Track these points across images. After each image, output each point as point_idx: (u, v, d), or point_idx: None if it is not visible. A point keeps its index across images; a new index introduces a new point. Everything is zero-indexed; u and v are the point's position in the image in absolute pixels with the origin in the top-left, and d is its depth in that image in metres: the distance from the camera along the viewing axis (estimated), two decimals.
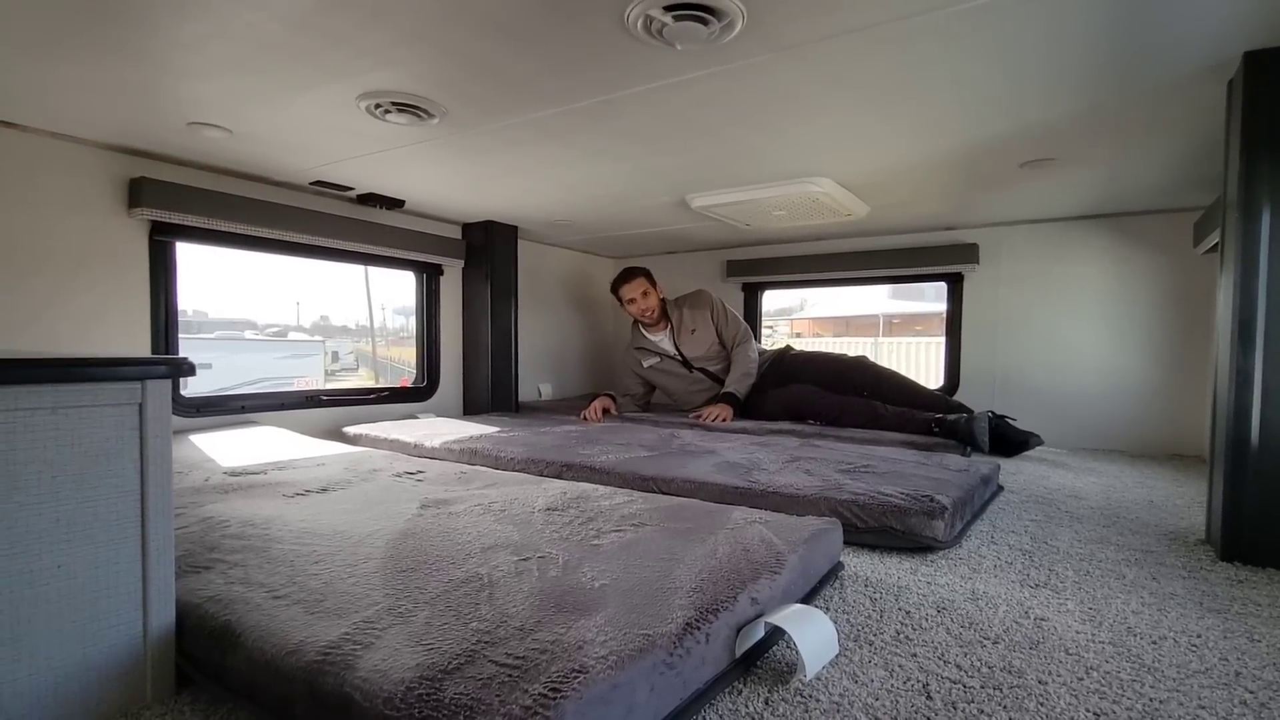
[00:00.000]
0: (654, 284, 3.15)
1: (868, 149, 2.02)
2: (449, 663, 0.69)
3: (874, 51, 1.38)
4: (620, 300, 3.17)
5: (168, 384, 0.83)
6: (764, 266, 3.67)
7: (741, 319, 3.20)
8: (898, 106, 1.68)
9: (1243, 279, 1.35)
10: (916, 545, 1.37)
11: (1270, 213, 1.33)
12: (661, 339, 3.21)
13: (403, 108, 1.69)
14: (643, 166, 2.23)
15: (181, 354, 2.33)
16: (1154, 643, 0.97)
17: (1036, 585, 1.20)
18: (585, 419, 2.95)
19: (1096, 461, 2.52)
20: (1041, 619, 1.06)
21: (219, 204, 2.29)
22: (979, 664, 0.91)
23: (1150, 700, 0.82)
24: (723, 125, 1.82)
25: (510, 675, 0.66)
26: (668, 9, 1.21)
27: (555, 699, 0.61)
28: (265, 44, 1.37)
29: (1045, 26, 1.28)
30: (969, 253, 3.06)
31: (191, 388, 2.60)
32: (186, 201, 2.21)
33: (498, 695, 0.63)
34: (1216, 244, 2.31)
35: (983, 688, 0.84)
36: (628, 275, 3.12)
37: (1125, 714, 0.78)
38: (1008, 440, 2.50)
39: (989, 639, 0.98)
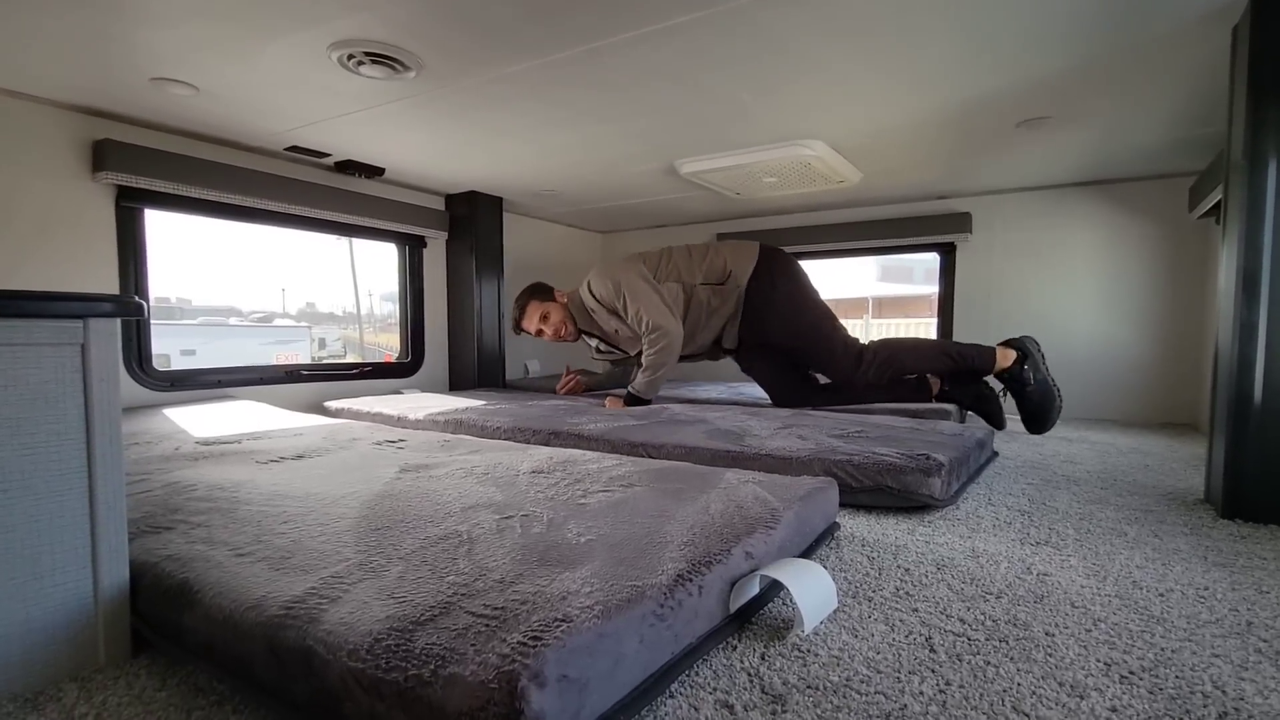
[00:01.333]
0: (549, 297, 2.54)
1: (860, 106, 1.96)
2: (421, 614, 0.64)
3: None
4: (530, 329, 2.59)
5: (114, 324, 0.76)
6: (755, 239, 3.61)
7: (645, 289, 2.33)
8: (891, 58, 1.62)
9: (1248, 230, 1.31)
10: (913, 504, 1.33)
11: (1277, 162, 1.29)
12: (599, 344, 2.63)
13: (376, 59, 1.61)
14: (629, 128, 2.15)
15: (161, 339, 2.27)
16: (1161, 595, 0.94)
17: (1038, 543, 1.17)
18: (559, 390, 2.85)
19: (1089, 431, 2.50)
20: (1045, 574, 1.02)
21: (189, 168, 2.19)
22: (983, 618, 0.87)
23: (1162, 650, 0.78)
24: (711, 80, 1.75)
25: (487, 625, 0.61)
26: None
27: (536, 647, 0.56)
28: None
29: None
30: (962, 222, 3.02)
31: (173, 367, 2.51)
32: (155, 165, 2.11)
33: (473, 645, 0.58)
34: (1212, 207, 2.29)
35: (988, 640, 0.81)
36: (519, 309, 2.56)
37: (1137, 663, 0.75)
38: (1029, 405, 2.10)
39: (992, 594, 0.95)
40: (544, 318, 2.52)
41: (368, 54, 1.59)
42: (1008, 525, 1.27)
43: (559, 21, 1.44)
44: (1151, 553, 1.12)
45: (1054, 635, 0.82)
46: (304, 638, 0.62)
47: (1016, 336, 2.17)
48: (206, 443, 1.62)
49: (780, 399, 2.45)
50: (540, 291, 2.56)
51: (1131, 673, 0.73)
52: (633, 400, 2.37)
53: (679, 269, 2.41)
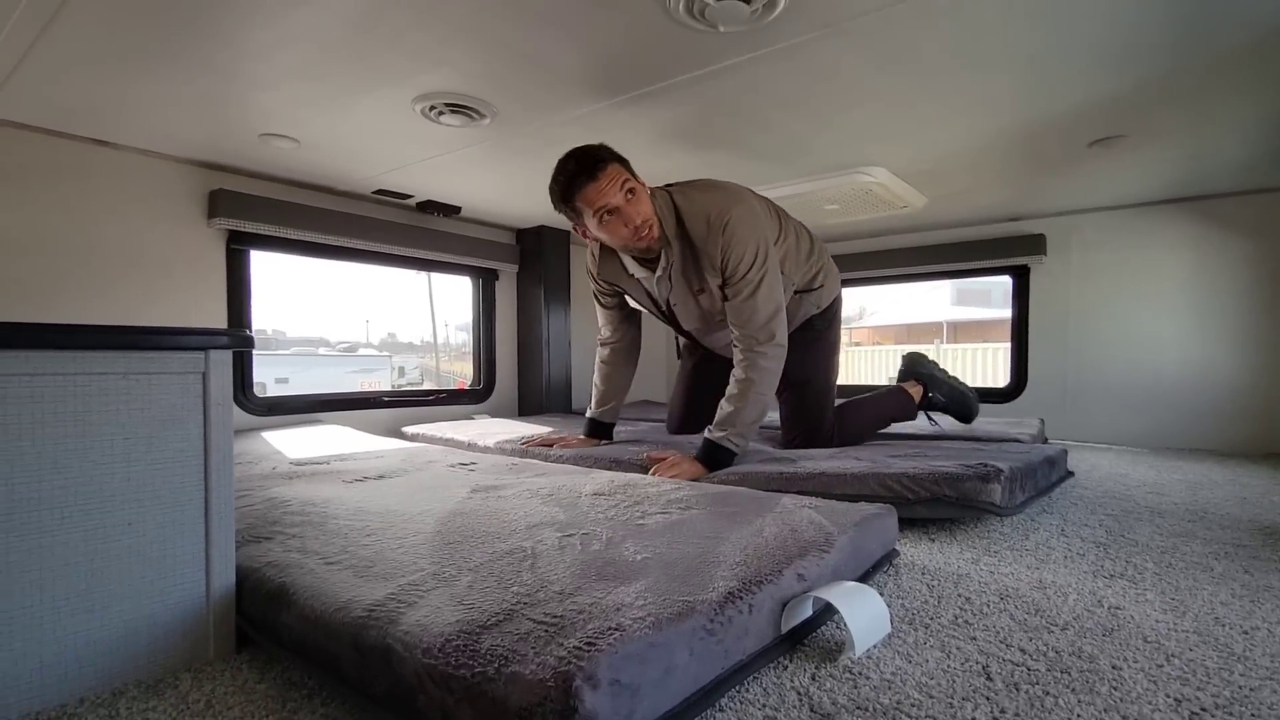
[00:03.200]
0: (635, 175, 1.58)
1: (922, 133, 1.96)
2: (488, 620, 0.70)
3: (923, 23, 1.34)
4: (575, 216, 1.62)
5: (229, 356, 0.87)
6: None
7: (767, 251, 1.62)
8: (951, 84, 1.62)
9: None
10: (974, 509, 1.30)
11: None
12: (647, 278, 1.76)
13: (455, 108, 1.74)
14: (689, 162, 2.22)
15: (258, 368, 2.49)
16: (1245, 633, 0.89)
17: (1111, 576, 1.12)
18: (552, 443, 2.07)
19: (1180, 461, 2.35)
20: (1116, 608, 0.98)
21: (289, 213, 2.41)
22: (1045, 648, 0.85)
23: (1239, 688, 0.74)
24: (770, 113, 1.80)
25: (546, 631, 0.66)
26: None
27: (590, 652, 0.61)
28: (326, 48, 1.44)
29: None
30: (1035, 244, 2.92)
31: (269, 394, 2.74)
32: (260, 211, 2.34)
33: (533, 647, 0.63)
34: None
35: (1049, 670, 0.79)
36: (589, 167, 1.52)
37: (1211, 700, 0.72)
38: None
39: (1057, 625, 0.92)
40: (630, 195, 1.54)
41: (447, 104, 1.72)
42: (1080, 556, 1.23)
43: (623, 65, 1.52)
44: (1239, 589, 1.06)
45: (1121, 669, 0.80)
46: (384, 637, 0.69)
47: (903, 368, 2.27)
48: (299, 463, 1.76)
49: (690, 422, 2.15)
50: (625, 161, 1.58)
51: (1203, 709, 0.70)
52: (708, 451, 1.62)
53: (787, 261, 1.78)
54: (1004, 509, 1.30)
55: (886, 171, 2.31)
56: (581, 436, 2.07)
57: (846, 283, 3.63)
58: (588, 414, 2.09)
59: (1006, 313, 3.23)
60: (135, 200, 2.13)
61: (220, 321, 2.34)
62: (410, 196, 2.69)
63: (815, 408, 1.93)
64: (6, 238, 1.89)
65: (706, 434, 1.65)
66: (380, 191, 2.60)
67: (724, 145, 2.05)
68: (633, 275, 1.80)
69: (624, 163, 1.57)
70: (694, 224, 1.61)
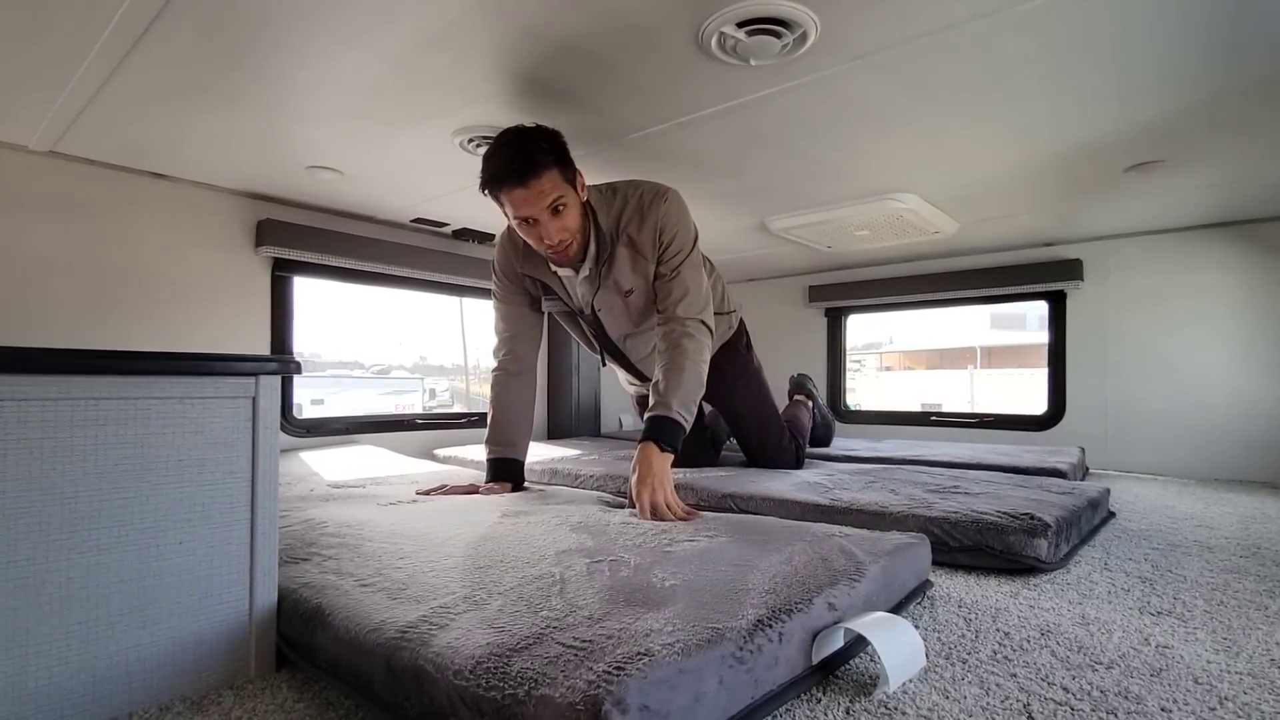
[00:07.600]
0: (573, 175, 1.45)
1: (953, 160, 1.96)
2: (518, 643, 0.71)
3: (955, 53, 1.35)
4: (496, 203, 1.46)
5: (278, 381, 0.91)
6: (848, 290, 3.59)
7: (697, 240, 1.59)
8: (984, 111, 1.62)
9: None
10: (1017, 566, 1.27)
11: None
12: (570, 278, 1.64)
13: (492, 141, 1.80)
14: (721, 190, 2.25)
15: (296, 389, 2.57)
16: None
17: (1159, 613, 1.09)
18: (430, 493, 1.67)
19: (1231, 493, 2.26)
20: (1165, 646, 0.95)
21: (331, 241, 2.50)
22: (1089, 687, 0.83)
23: None
24: (801, 142, 1.82)
25: (576, 655, 0.67)
26: (740, 25, 1.24)
27: (619, 676, 0.61)
28: (372, 86, 1.51)
29: (1150, 13, 1.21)
30: (1072, 269, 2.87)
31: (305, 415, 2.81)
32: (303, 239, 2.43)
33: (563, 671, 0.63)
34: None
35: (1093, 711, 0.77)
36: (521, 172, 1.36)
37: None
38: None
39: (1101, 664, 0.90)
40: (559, 207, 1.41)
41: (485, 137, 1.78)
42: (1125, 592, 1.19)
43: (656, 99, 1.56)
44: None
45: (1171, 712, 0.77)
46: (416, 658, 0.71)
47: (793, 384, 2.79)
48: (336, 485, 1.81)
49: (690, 456, 2.16)
50: (567, 159, 1.43)
51: None
52: (657, 427, 1.44)
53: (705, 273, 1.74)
54: (1049, 564, 1.27)
55: (917, 198, 2.31)
56: (486, 484, 1.69)
57: (876, 307, 3.63)
58: (488, 455, 1.71)
59: (1042, 337, 3.16)
60: (188, 230, 2.24)
61: (264, 345, 2.42)
62: (446, 224, 2.77)
63: (777, 434, 2.14)
64: (71, 266, 2.00)
65: (650, 411, 1.47)
66: (418, 220, 2.68)
67: (754, 173, 2.07)
68: (555, 272, 1.64)
69: (564, 164, 1.41)
70: (628, 211, 1.54)
